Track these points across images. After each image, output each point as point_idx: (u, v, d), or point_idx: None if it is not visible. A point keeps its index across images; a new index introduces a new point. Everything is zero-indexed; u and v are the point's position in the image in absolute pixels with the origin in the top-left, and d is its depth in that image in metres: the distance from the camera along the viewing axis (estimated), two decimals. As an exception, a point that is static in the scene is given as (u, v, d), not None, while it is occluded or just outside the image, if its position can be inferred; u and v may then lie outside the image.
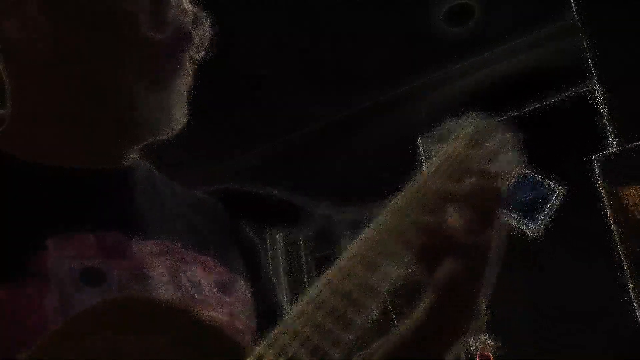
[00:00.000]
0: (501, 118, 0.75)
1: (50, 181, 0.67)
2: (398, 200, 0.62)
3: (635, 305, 2.26)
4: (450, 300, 0.62)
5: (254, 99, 3.70)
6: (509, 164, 0.71)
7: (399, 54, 3.53)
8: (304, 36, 3.30)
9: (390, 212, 0.60)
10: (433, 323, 0.63)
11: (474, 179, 0.64)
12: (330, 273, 0.53)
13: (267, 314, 0.75)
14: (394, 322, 0.68)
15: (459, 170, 0.66)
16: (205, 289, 0.68)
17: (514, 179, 0.73)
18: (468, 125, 0.73)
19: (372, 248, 0.56)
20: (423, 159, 0.71)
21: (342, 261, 0.54)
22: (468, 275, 0.62)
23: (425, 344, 0.63)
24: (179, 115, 0.71)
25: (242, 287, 0.74)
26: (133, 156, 0.75)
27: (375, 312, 0.52)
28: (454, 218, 0.63)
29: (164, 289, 0.64)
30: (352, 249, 0.56)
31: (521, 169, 0.73)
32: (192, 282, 0.67)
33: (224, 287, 0.71)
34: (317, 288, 0.51)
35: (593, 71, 2.66)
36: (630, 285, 2.27)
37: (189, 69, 0.73)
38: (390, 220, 0.59)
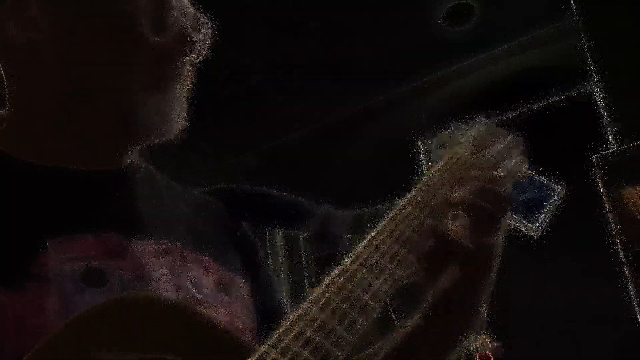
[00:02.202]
0: (501, 118, 0.75)
1: (49, 182, 0.67)
2: (403, 205, 0.62)
3: (635, 305, 2.26)
4: (453, 303, 0.62)
5: (254, 99, 3.70)
6: (514, 169, 0.71)
7: (399, 54, 3.52)
8: (303, 36, 3.30)
9: (394, 217, 0.61)
10: (435, 325, 0.63)
11: (479, 184, 0.64)
12: (334, 274, 0.53)
13: (266, 314, 0.75)
14: (394, 322, 0.68)
15: (464, 176, 0.66)
16: (205, 289, 0.68)
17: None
18: (472, 130, 0.73)
19: (376, 251, 0.56)
20: (423, 160, 0.71)
21: (346, 263, 0.55)
22: (471, 281, 0.62)
23: (427, 346, 0.63)
24: (178, 118, 0.71)
25: (241, 287, 0.74)
26: (133, 157, 0.75)
27: (377, 313, 0.52)
28: (459, 224, 0.63)
29: (164, 289, 0.64)
30: (356, 251, 0.56)
31: (526, 171, 0.73)
32: (193, 282, 0.67)
33: (223, 287, 0.71)
34: (321, 289, 0.52)
35: (593, 71, 2.66)
36: (630, 285, 2.27)
37: (188, 72, 0.73)
38: (394, 225, 0.60)
